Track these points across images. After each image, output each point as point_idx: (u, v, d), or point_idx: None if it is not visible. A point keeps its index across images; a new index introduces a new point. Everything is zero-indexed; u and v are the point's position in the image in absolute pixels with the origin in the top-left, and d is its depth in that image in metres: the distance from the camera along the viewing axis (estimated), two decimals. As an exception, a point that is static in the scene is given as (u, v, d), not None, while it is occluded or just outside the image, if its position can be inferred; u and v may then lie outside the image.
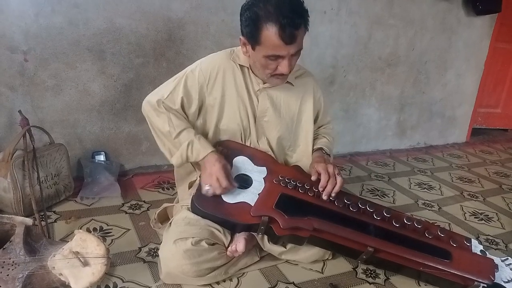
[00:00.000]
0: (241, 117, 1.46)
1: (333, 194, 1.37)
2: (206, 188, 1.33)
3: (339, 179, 1.37)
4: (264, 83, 1.45)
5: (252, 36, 1.27)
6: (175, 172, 1.65)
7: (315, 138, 1.61)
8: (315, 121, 1.63)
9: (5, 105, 1.89)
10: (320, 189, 1.38)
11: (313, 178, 1.40)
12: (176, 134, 1.37)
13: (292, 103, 1.52)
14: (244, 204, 1.34)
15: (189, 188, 1.56)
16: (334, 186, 1.36)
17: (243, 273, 1.44)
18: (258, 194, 1.37)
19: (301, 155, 1.59)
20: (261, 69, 1.36)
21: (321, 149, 1.55)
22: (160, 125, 1.38)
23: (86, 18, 1.92)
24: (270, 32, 1.22)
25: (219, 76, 1.43)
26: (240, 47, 1.45)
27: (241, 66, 1.45)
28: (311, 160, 1.51)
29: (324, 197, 1.37)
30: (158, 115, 1.39)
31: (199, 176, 1.46)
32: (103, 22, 1.96)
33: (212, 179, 1.32)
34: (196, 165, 1.53)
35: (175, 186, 1.71)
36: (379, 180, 2.51)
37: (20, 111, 1.68)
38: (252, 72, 1.45)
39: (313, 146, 1.61)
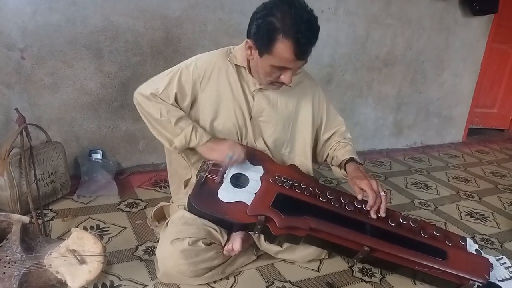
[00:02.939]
0: (236, 117, 1.46)
1: (382, 214, 1.36)
2: (229, 155, 1.35)
3: (383, 196, 1.36)
4: (260, 83, 1.45)
5: (263, 44, 1.25)
6: (168, 171, 1.65)
7: (337, 147, 1.57)
8: (322, 122, 1.61)
9: (2, 103, 1.88)
10: (368, 208, 1.37)
11: (359, 197, 1.38)
12: (176, 121, 1.37)
13: (289, 103, 1.51)
14: (240, 203, 1.34)
15: (184, 187, 1.56)
16: (380, 204, 1.36)
17: (240, 272, 1.45)
18: (255, 193, 1.37)
19: (298, 155, 1.59)
20: (262, 75, 1.35)
21: (352, 159, 1.50)
22: (156, 114, 1.37)
23: (84, 16, 1.92)
24: (285, 46, 1.20)
25: (214, 75, 1.42)
26: (238, 47, 1.44)
27: (238, 66, 1.44)
28: (348, 173, 1.46)
29: (374, 216, 1.37)
30: (153, 105, 1.38)
31: (196, 176, 1.46)
32: (100, 20, 1.96)
33: (230, 148, 1.37)
34: (191, 161, 1.53)
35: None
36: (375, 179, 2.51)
37: (16, 109, 1.68)
38: (250, 72, 1.44)
39: (317, 150, 1.61)
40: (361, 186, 1.36)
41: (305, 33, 1.20)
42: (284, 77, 1.31)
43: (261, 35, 1.24)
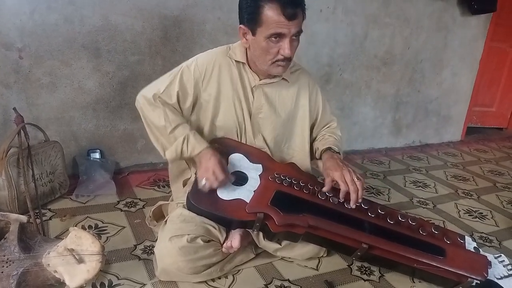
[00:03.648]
0: (236, 113, 1.46)
1: (359, 200, 1.35)
2: (202, 182, 1.32)
3: (359, 184, 1.34)
4: (260, 79, 1.45)
5: (253, 18, 1.27)
6: (169, 170, 1.64)
7: (321, 139, 1.59)
8: (316, 119, 1.62)
9: (0, 103, 1.88)
10: (341, 200, 1.37)
11: (325, 189, 1.38)
12: (172, 129, 1.36)
13: (288, 100, 1.52)
14: (239, 201, 1.34)
15: (183, 186, 1.56)
16: (357, 193, 1.34)
17: (239, 270, 1.45)
18: (254, 191, 1.37)
19: (297, 151, 1.59)
20: (262, 57, 1.35)
21: (329, 148, 1.51)
22: (155, 120, 1.37)
23: (82, 16, 1.92)
24: (272, 9, 1.23)
25: (215, 72, 1.42)
26: (236, 44, 1.45)
27: (237, 62, 1.45)
28: (323, 162, 1.47)
29: (353, 206, 1.36)
30: (153, 110, 1.37)
31: (195, 174, 1.46)
32: (98, 19, 1.96)
33: (208, 173, 1.31)
34: (191, 162, 1.53)
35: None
36: (375, 178, 2.52)
37: (14, 108, 1.68)
38: (250, 67, 1.45)
39: (312, 147, 1.60)
40: (334, 178, 1.36)
41: None
42: (283, 49, 1.30)
43: (249, 11, 1.28)
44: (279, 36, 1.28)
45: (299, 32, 1.31)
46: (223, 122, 1.47)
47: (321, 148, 1.54)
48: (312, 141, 1.63)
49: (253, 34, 1.31)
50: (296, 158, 1.57)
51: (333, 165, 1.40)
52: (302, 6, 1.28)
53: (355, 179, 1.34)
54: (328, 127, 1.65)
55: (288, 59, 1.34)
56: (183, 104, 1.43)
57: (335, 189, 1.40)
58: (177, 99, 1.40)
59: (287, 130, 1.55)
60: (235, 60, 1.44)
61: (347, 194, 1.35)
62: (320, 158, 1.54)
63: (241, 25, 1.34)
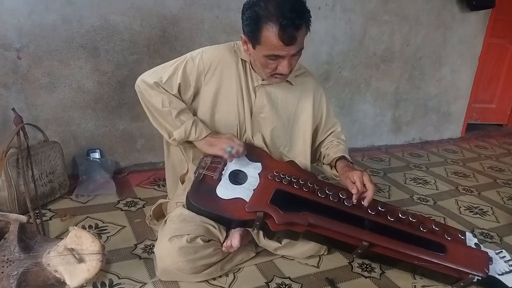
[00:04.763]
0: (238, 111, 1.46)
1: (365, 203, 1.37)
2: (228, 150, 1.34)
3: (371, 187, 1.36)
4: (263, 79, 1.45)
5: (252, 35, 1.27)
6: (165, 161, 1.64)
7: (330, 146, 1.59)
8: (320, 123, 1.61)
9: (-1, 103, 1.88)
10: (354, 201, 1.37)
11: (354, 191, 1.36)
12: (177, 114, 1.37)
13: (290, 102, 1.52)
14: (239, 200, 1.34)
15: (182, 183, 1.56)
16: (373, 191, 1.36)
17: (239, 268, 1.45)
18: (253, 190, 1.37)
19: (297, 154, 1.58)
20: (261, 68, 1.36)
21: (343, 157, 1.52)
22: (158, 104, 1.37)
23: (80, 15, 1.91)
24: (270, 33, 1.21)
25: (219, 69, 1.42)
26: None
27: (243, 61, 1.44)
28: (339, 168, 1.48)
29: (366, 204, 1.37)
30: (156, 95, 1.37)
31: (194, 173, 1.46)
32: (96, 19, 1.95)
33: (230, 142, 1.36)
34: (191, 154, 1.53)
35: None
36: (375, 176, 2.52)
37: (13, 109, 1.67)
38: (252, 68, 1.45)
39: (316, 151, 1.61)
40: (353, 178, 1.36)
41: (288, 16, 1.19)
42: (281, 68, 1.31)
43: (250, 27, 1.26)
44: (277, 57, 1.28)
45: (300, 50, 1.29)
46: (224, 117, 1.47)
47: (333, 156, 1.54)
48: (317, 144, 1.64)
49: (253, 47, 1.31)
50: (296, 160, 1.57)
51: (351, 169, 1.42)
52: (304, 24, 1.24)
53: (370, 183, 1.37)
54: (333, 131, 1.65)
55: (286, 75, 1.35)
56: (184, 95, 1.43)
57: (337, 188, 1.40)
58: (178, 90, 1.40)
59: (288, 133, 1.55)
60: (241, 59, 1.44)
61: (362, 193, 1.36)
62: (329, 164, 1.56)
63: (242, 35, 1.34)
